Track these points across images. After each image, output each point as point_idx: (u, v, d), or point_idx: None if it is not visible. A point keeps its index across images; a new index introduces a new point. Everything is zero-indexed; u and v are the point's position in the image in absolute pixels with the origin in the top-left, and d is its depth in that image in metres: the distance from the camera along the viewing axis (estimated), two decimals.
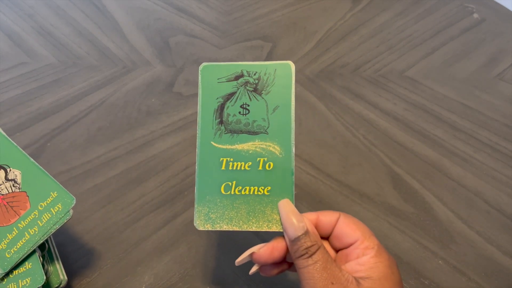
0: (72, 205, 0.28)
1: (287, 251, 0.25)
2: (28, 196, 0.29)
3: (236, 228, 0.26)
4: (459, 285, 0.35)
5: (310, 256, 0.23)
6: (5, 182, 0.29)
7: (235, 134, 0.27)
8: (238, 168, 0.27)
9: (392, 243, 0.38)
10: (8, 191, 0.29)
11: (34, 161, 0.30)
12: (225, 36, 0.62)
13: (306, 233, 0.23)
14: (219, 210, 0.27)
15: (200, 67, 0.28)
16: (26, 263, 0.28)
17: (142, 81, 0.54)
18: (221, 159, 0.27)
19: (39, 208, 0.28)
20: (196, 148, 0.27)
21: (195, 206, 0.27)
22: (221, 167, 0.27)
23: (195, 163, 0.27)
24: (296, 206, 0.25)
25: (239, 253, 0.26)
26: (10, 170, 0.29)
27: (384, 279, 0.22)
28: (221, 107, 0.28)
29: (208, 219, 0.26)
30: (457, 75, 0.57)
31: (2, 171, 0.30)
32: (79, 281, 0.35)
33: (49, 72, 0.54)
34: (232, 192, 0.27)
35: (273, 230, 0.26)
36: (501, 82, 0.56)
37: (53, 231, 0.28)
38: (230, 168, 0.27)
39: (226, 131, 0.27)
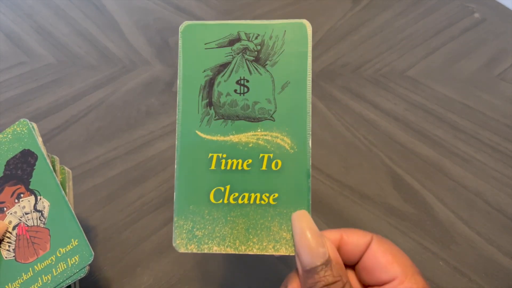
0: (89, 262, 0.25)
1: None
2: (50, 236, 0.26)
3: (230, 251, 0.20)
4: (459, 285, 0.35)
5: None
6: (33, 212, 0.27)
7: (230, 121, 0.20)
8: (234, 167, 0.20)
9: None
10: (33, 223, 0.26)
11: (65, 194, 0.27)
12: None
13: (328, 262, 0.17)
14: (208, 226, 0.20)
15: (181, 27, 0.21)
16: None
17: (142, 81, 0.54)
18: (210, 155, 0.20)
19: (57, 254, 0.26)
20: (176, 139, 0.20)
21: (174, 219, 0.20)
22: (210, 166, 0.20)
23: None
24: None
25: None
26: (40, 198, 0.27)
27: None
28: (210, 83, 0.20)
29: (192, 237, 0.20)
30: (458, 75, 0.57)
31: (33, 198, 0.27)
32: (79, 282, 0.34)
33: (48, 72, 0.54)
34: (226, 201, 0.20)
35: (282, 254, 0.19)
36: (502, 82, 0.56)
37: (64, 285, 0.25)
38: (223, 167, 0.20)
39: (216, 117, 0.20)
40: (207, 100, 0.20)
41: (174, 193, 0.21)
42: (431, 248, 0.37)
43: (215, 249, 0.20)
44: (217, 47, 0.20)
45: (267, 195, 0.20)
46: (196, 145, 0.20)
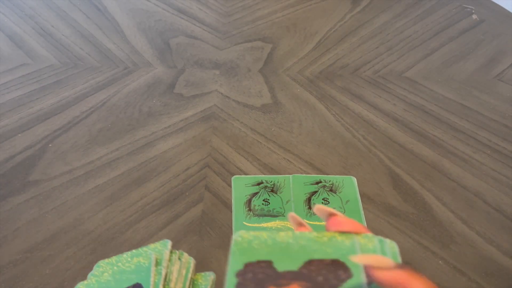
0: None
1: None
2: None
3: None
4: (459, 285, 0.35)
5: None
6: None
7: (261, 217, 0.39)
8: None
9: None
10: None
11: None
12: (225, 37, 0.63)
13: None
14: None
15: (233, 178, 0.42)
16: None
17: (143, 82, 0.54)
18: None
19: None
20: (232, 227, 0.38)
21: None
22: None
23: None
24: None
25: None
26: None
27: None
28: (249, 201, 0.40)
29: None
30: (456, 76, 0.57)
31: None
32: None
33: (51, 73, 0.54)
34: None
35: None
36: (500, 82, 0.56)
37: None
38: None
39: (254, 215, 0.39)
40: (248, 208, 0.40)
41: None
42: (431, 248, 0.37)
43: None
44: (251, 186, 0.41)
45: None
46: (244, 228, 0.37)
